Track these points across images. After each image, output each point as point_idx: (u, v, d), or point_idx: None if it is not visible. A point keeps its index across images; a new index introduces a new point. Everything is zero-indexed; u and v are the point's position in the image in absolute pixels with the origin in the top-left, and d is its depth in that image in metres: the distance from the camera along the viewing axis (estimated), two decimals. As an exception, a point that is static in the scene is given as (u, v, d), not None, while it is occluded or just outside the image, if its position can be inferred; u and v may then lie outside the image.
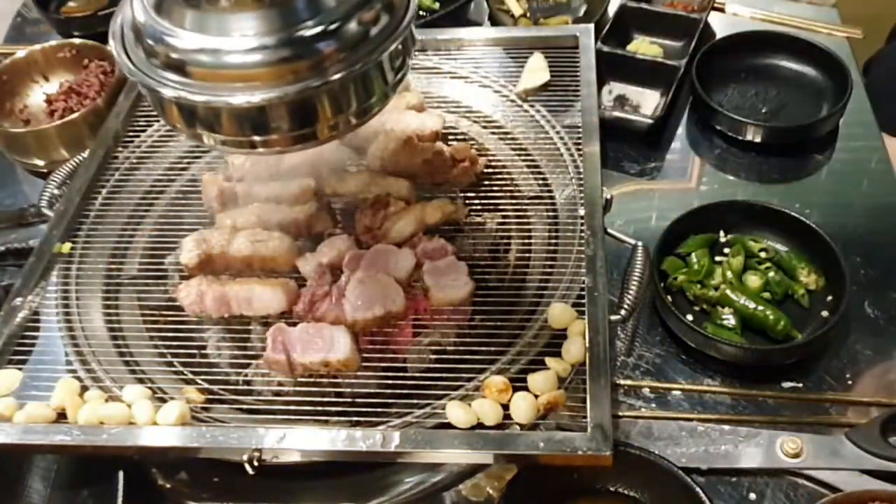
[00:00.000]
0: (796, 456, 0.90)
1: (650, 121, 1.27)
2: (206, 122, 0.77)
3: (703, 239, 1.13)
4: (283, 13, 0.71)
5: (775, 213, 1.12)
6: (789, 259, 1.09)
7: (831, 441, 0.91)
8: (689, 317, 1.05)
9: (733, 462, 0.91)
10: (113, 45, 0.78)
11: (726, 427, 0.94)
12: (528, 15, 1.53)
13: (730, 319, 1.04)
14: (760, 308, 1.03)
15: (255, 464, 0.79)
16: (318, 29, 0.72)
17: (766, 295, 1.06)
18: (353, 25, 0.73)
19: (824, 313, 1.04)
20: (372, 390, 0.89)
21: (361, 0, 0.74)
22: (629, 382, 1.00)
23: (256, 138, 0.77)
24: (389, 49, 0.76)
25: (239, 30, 0.71)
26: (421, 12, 1.57)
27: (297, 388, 0.90)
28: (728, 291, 1.05)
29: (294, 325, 0.92)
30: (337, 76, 0.73)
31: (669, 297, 1.06)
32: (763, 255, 1.11)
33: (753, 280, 1.07)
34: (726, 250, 1.12)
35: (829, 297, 1.05)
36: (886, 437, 0.91)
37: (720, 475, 0.91)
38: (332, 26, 0.72)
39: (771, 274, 1.08)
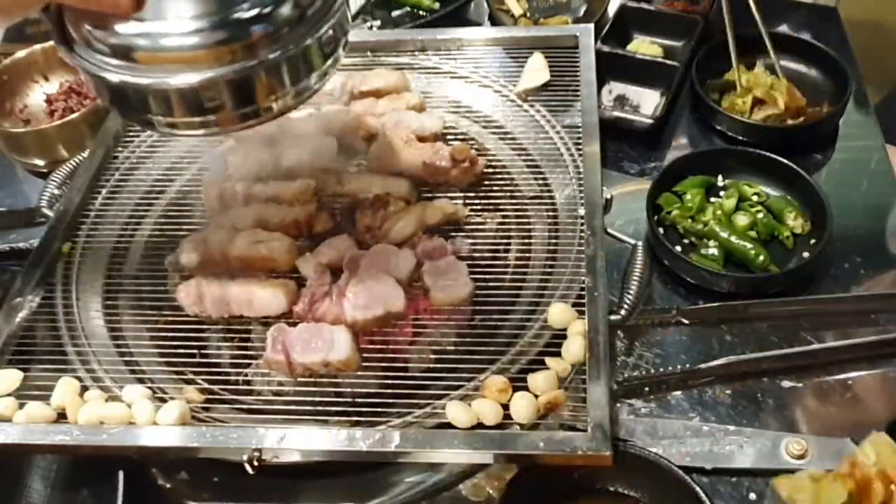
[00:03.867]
0: (801, 457, 0.90)
1: (650, 121, 1.27)
2: (149, 106, 0.80)
3: (701, 180, 1.20)
4: None
5: (771, 161, 1.18)
6: (779, 203, 1.16)
7: (836, 443, 0.91)
8: (678, 248, 1.11)
9: (737, 462, 0.91)
10: (52, 32, 0.81)
11: (731, 427, 0.94)
12: (528, 15, 1.53)
13: (713, 251, 1.11)
14: (743, 243, 1.10)
15: (255, 464, 0.79)
16: (253, 12, 0.75)
17: (753, 234, 1.13)
18: (285, 8, 0.77)
19: (805, 254, 1.10)
20: (372, 390, 0.89)
21: None
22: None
23: (198, 119, 0.80)
24: (321, 32, 0.80)
25: (176, 12, 0.74)
26: (421, 12, 1.57)
27: (297, 388, 0.90)
28: (715, 227, 1.13)
29: (294, 325, 0.92)
30: (271, 56, 0.77)
31: (661, 230, 1.14)
32: (755, 198, 1.18)
33: (742, 219, 1.15)
34: (722, 193, 1.20)
35: (813, 241, 1.11)
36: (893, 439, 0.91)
37: (723, 475, 0.91)
38: (266, 9, 0.76)
39: (760, 215, 1.14)
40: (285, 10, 0.77)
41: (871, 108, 1.33)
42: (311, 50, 0.81)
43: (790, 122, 1.27)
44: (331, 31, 0.82)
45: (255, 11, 0.76)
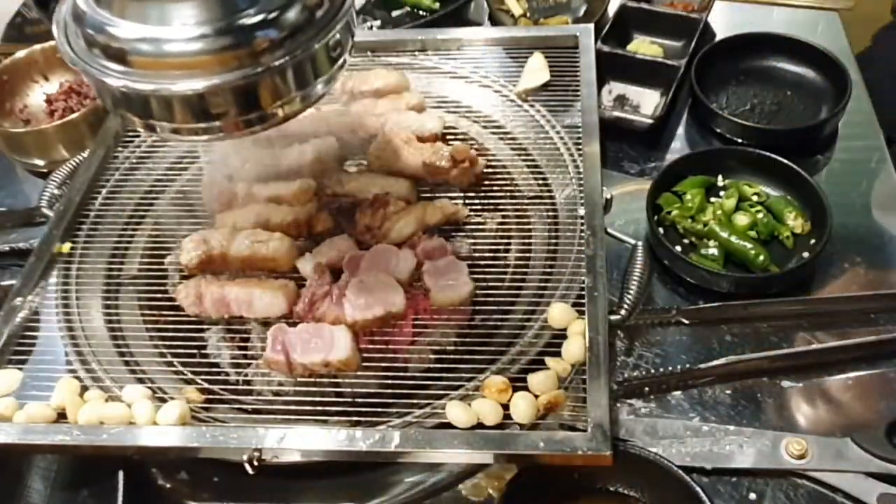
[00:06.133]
0: (801, 457, 0.90)
1: (650, 121, 1.27)
2: (152, 111, 0.79)
3: (701, 180, 1.20)
4: (223, 2, 0.74)
5: (771, 161, 1.18)
6: (779, 203, 1.16)
7: (836, 443, 0.91)
8: (678, 248, 1.11)
9: (737, 462, 0.91)
10: (56, 35, 0.81)
11: (731, 427, 0.94)
12: (528, 15, 1.53)
13: (713, 251, 1.11)
14: (743, 243, 1.10)
15: (255, 464, 0.79)
16: (258, 18, 0.74)
17: (753, 234, 1.13)
18: (291, 14, 0.76)
19: (805, 254, 1.09)
20: (372, 390, 0.89)
21: None
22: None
23: (202, 125, 0.80)
24: (328, 37, 0.79)
25: (180, 19, 0.73)
26: (421, 12, 1.57)
27: (297, 388, 0.90)
28: (715, 227, 1.13)
29: (294, 324, 0.92)
30: (277, 63, 0.76)
31: (661, 230, 1.14)
32: (755, 198, 1.18)
33: (742, 219, 1.15)
34: (722, 193, 1.20)
35: (813, 241, 1.11)
36: (892, 441, 0.91)
37: (723, 475, 0.91)
38: (271, 15, 0.75)
39: (759, 215, 1.14)
40: (292, 14, 0.76)
41: (871, 108, 1.33)
42: (319, 55, 0.80)
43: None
44: (338, 36, 0.81)
45: (260, 17, 0.75)
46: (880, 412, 0.95)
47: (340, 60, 0.84)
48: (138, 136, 1.16)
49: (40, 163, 1.33)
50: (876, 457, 0.89)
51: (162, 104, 0.78)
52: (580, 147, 1.04)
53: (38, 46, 1.45)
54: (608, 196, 1.00)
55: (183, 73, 0.74)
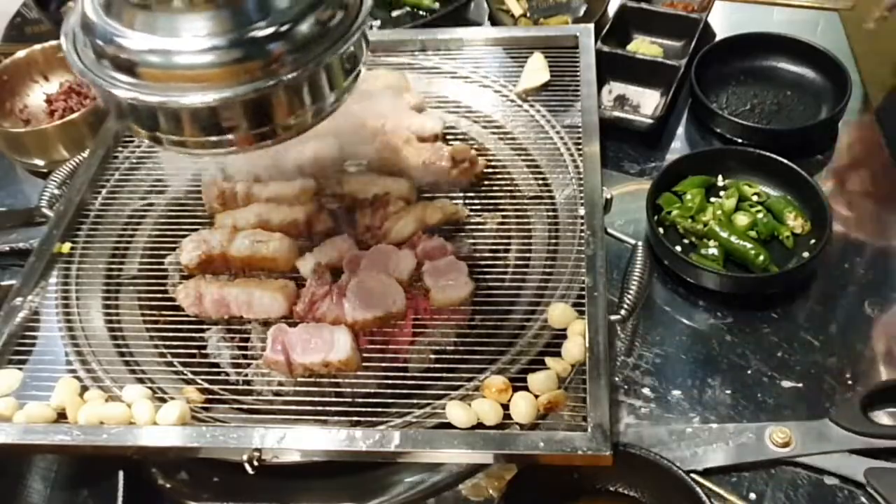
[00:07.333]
0: (786, 445, 0.91)
1: (650, 121, 1.27)
2: (159, 124, 0.77)
3: (701, 180, 1.20)
4: (235, 14, 0.71)
5: (771, 161, 1.18)
6: (779, 203, 1.16)
7: (817, 426, 0.92)
8: (678, 248, 1.11)
9: (727, 459, 0.91)
10: (64, 45, 0.78)
11: (714, 426, 0.94)
12: (528, 15, 1.53)
13: (713, 251, 1.11)
14: (743, 243, 1.10)
15: (255, 464, 0.79)
16: (270, 30, 0.72)
17: (753, 234, 1.13)
18: (304, 26, 0.73)
19: (805, 254, 1.09)
20: (372, 390, 0.89)
21: (314, 1, 0.74)
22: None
23: (211, 139, 0.77)
24: (341, 50, 0.76)
25: (190, 30, 0.71)
26: (421, 12, 1.57)
27: (297, 388, 0.90)
28: (715, 227, 1.13)
29: (294, 325, 0.92)
30: (289, 76, 0.73)
31: (661, 230, 1.14)
32: (755, 198, 1.18)
33: (742, 219, 1.15)
34: (722, 193, 1.20)
35: (813, 241, 1.11)
36: (867, 414, 0.92)
37: (717, 475, 0.91)
38: (284, 27, 0.72)
39: (759, 215, 1.14)
40: (305, 27, 0.73)
41: (872, 108, 1.33)
42: (333, 67, 0.77)
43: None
44: (353, 48, 0.78)
45: (272, 29, 0.72)
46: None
47: (355, 72, 0.81)
48: (138, 136, 1.16)
49: (40, 163, 1.33)
50: (856, 433, 0.90)
51: (170, 117, 0.76)
52: (580, 147, 1.04)
53: (38, 46, 1.45)
54: (608, 196, 1.00)
55: (193, 85, 0.72)
